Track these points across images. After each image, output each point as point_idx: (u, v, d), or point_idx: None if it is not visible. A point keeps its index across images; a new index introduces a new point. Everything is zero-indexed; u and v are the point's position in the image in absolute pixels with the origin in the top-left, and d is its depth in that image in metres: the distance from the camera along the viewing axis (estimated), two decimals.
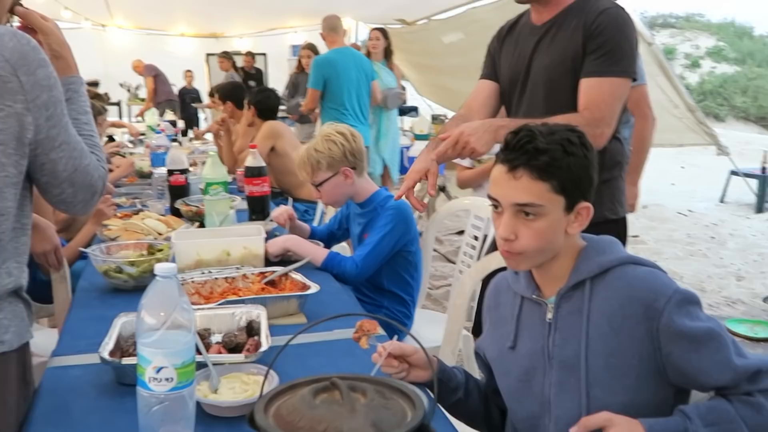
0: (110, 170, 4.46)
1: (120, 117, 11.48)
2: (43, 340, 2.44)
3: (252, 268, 2.19)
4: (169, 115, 6.73)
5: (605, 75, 1.91)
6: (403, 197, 1.91)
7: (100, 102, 5.98)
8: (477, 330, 2.58)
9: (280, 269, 2.10)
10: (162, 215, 3.11)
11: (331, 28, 5.48)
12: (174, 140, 6.16)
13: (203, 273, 2.12)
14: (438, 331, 2.22)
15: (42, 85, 1.25)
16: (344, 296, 2.14)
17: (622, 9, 2.00)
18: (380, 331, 1.61)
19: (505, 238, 1.34)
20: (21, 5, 1.46)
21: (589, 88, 1.93)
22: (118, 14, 11.68)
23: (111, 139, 6.51)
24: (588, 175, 1.33)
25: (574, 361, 1.32)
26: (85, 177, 1.34)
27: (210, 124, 5.58)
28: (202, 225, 2.89)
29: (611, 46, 1.92)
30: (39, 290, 2.96)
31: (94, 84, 10.97)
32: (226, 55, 9.94)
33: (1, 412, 1.31)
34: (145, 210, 3.27)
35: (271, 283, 2.06)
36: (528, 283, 1.44)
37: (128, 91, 11.82)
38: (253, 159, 2.99)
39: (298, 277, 2.04)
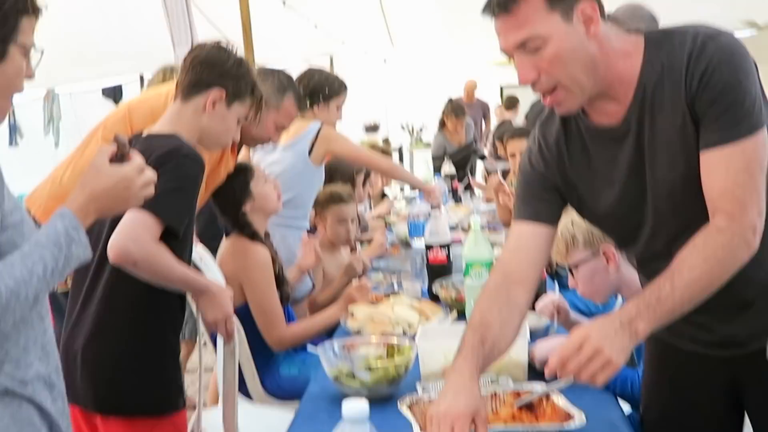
0: (367, 240, 4.70)
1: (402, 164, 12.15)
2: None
3: (508, 382, 2.12)
4: (447, 168, 6.89)
5: (728, 141, 1.66)
6: None
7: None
8: None
9: (539, 387, 2.00)
10: (418, 299, 3.18)
11: None
12: (457, 199, 6.31)
13: None
14: None
15: None
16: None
17: (725, 34, 1.70)
18: None
19: None
20: (121, 140, 1.76)
21: (711, 168, 1.69)
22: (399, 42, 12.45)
23: (384, 195, 6.87)
24: None
25: None
26: None
27: (491, 177, 5.64)
28: (462, 315, 2.89)
29: (729, 98, 1.65)
30: (283, 386, 3.20)
31: (374, 128, 11.77)
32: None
33: None
34: (399, 292, 3.37)
35: (528, 407, 1.97)
36: None
37: (410, 133, 12.46)
38: None
39: (561, 402, 1.93)
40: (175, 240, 2.32)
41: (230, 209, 3.19)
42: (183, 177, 2.30)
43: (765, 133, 1.69)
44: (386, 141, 11.84)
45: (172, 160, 2.27)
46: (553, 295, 2.69)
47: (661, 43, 1.74)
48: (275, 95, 3.24)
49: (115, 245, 2.21)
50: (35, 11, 1.57)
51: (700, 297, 1.67)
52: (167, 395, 2.40)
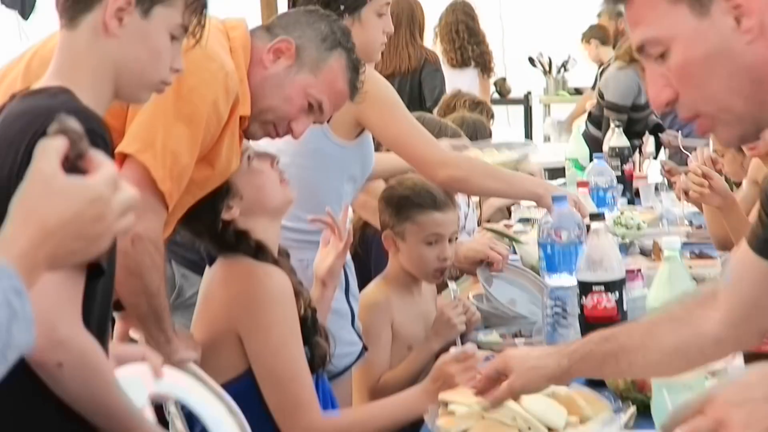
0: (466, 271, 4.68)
1: (528, 130, 12.14)
2: None
3: None
4: (617, 138, 6.78)
5: None
6: None
7: (483, 117, 6.38)
8: None
9: None
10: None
11: None
12: (628, 199, 6.30)
13: None
14: None
15: None
16: None
17: None
18: None
19: None
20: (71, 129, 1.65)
21: None
22: None
23: None
24: None
25: None
26: None
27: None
28: (645, 413, 2.93)
29: None
30: None
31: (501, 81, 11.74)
32: None
33: None
34: None
35: None
36: None
37: (545, 72, 12.46)
38: None
39: None
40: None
41: (204, 218, 3.23)
42: None
43: None
44: (501, 83, 11.84)
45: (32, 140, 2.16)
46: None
47: None
48: (317, 50, 3.24)
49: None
50: None
51: None
52: None
